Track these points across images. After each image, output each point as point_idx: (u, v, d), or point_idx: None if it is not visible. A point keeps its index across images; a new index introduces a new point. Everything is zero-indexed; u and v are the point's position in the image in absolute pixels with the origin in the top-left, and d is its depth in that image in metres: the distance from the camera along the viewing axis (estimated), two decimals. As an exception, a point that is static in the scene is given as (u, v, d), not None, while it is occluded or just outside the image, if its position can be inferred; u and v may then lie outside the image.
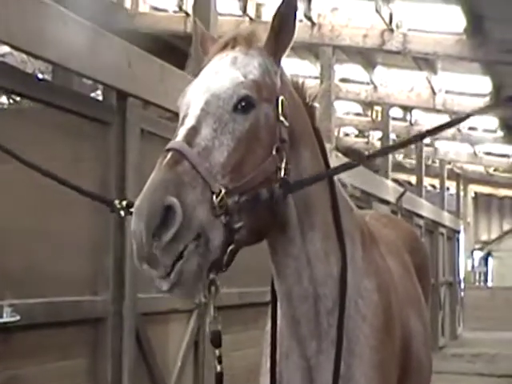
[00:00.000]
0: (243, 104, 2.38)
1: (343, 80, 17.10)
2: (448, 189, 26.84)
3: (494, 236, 36.26)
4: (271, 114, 2.46)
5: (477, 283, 33.88)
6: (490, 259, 34.92)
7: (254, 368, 3.15)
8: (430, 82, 16.12)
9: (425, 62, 14.98)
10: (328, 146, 2.84)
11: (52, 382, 4.38)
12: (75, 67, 4.69)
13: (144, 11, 13.73)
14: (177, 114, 2.49)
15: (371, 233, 3.04)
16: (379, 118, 19.11)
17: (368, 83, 17.01)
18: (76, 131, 4.84)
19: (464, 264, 29.92)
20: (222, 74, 2.43)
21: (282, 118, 2.47)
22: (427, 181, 24.92)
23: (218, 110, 2.35)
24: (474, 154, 23.94)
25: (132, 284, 5.05)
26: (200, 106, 2.36)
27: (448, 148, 23.33)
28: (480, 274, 35.32)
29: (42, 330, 4.29)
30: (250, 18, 12.79)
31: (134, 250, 2.18)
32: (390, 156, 17.43)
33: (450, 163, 25.69)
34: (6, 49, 11.23)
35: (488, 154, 24.35)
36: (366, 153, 25.17)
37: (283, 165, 2.43)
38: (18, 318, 3.97)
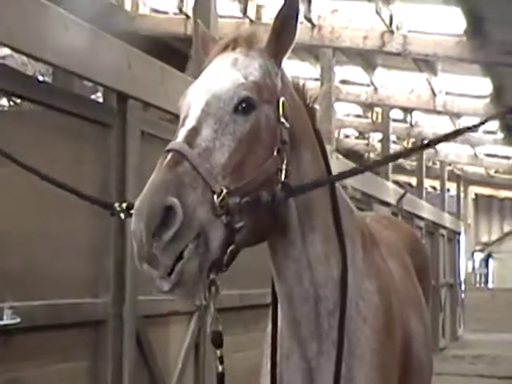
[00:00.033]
0: (244, 105, 2.38)
1: (343, 82, 17.10)
2: (448, 190, 26.83)
3: (494, 237, 36.27)
4: (272, 116, 2.46)
5: (477, 285, 33.89)
6: (490, 261, 34.93)
7: (255, 369, 3.14)
8: (430, 84, 16.12)
9: (425, 64, 14.97)
10: (328, 148, 2.84)
11: (52, 385, 4.38)
12: (75, 69, 4.69)
13: (144, 13, 13.72)
14: (177, 116, 2.49)
15: (372, 234, 3.04)
16: (379, 120, 19.10)
17: (368, 85, 17.00)
18: (76, 133, 4.84)
19: (464, 265, 29.91)
20: (222, 75, 2.43)
21: (282, 120, 2.47)
22: (428, 182, 24.91)
23: (218, 111, 2.35)
24: (475, 155, 23.94)
25: (132, 286, 5.04)
26: (200, 106, 2.36)
27: (448, 149, 23.32)
28: (480, 275, 35.33)
29: (42, 333, 4.28)
30: (251, 20, 12.79)
31: (135, 250, 2.18)
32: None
33: (450, 165, 25.69)
34: (6, 51, 11.24)
35: (488, 155, 24.36)
36: (366, 155, 25.27)
37: (284, 166, 2.43)
38: (18, 320, 3.96)
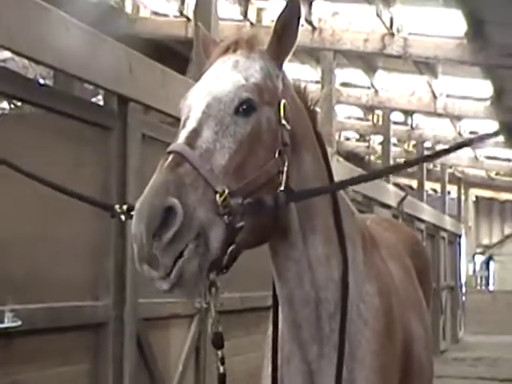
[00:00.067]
0: (244, 107, 2.38)
1: (344, 84, 17.10)
2: (449, 193, 26.83)
3: (495, 240, 36.25)
4: (273, 118, 2.46)
5: (478, 287, 33.86)
6: (491, 263, 34.90)
7: (256, 372, 3.14)
8: (430, 86, 16.11)
9: (425, 66, 14.97)
10: (329, 150, 2.84)
11: (53, 387, 4.38)
12: (76, 72, 4.69)
13: (145, 16, 13.73)
14: (178, 119, 2.49)
15: (372, 237, 3.04)
16: (380, 122, 19.11)
17: (369, 87, 17.00)
18: (77, 136, 4.84)
19: (465, 268, 29.91)
20: (223, 77, 2.44)
21: (283, 122, 2.47)
22: (428, 185, 24.90)
23: (219, 113, 2.35)
24: (475, 158, 23.95)
25: (133, 289, 5.04)
26: (201, 108, 2.36)
27: (449, 152, 23.29)
28: (481, 278, 35.30)
29: (42, 336, 4.28)
30: (251, 23, 12.80)
31: (135, 251, 2.18)
32: (392, 160, 17.43)
33: (451, 167, 25.69)
34: (7, 54, 11.25)
35: (489, 158, 24.36)
36: (367, 157, 25.29)
37: (285, 168, 2.43)
38: (19, 323, 3.96)
